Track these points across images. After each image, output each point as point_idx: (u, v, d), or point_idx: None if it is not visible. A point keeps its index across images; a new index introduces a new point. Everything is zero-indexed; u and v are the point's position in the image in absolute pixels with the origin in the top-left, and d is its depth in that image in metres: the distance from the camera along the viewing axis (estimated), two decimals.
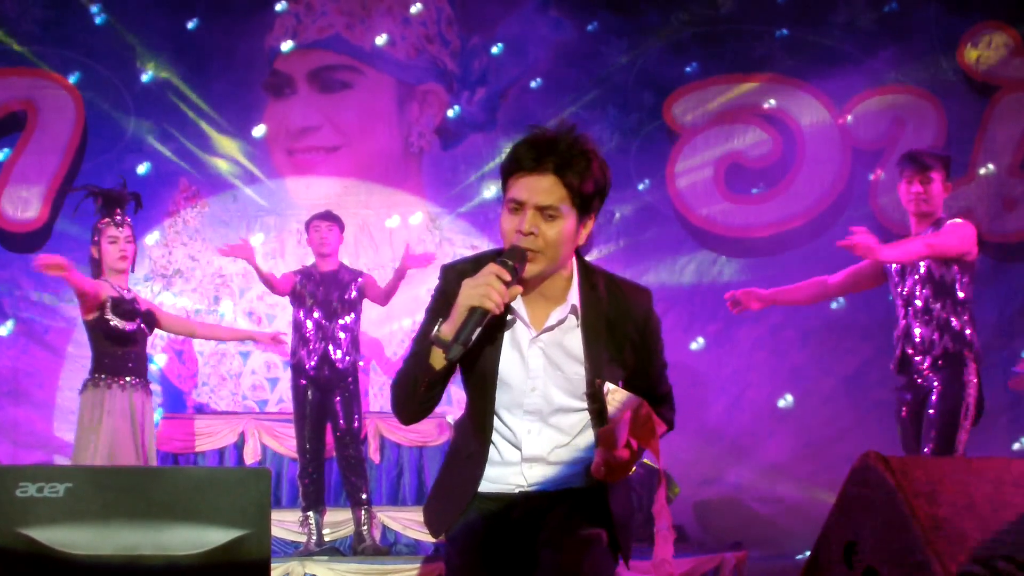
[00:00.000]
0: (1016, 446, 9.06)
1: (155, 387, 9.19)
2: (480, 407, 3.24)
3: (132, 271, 7.17)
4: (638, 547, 3.70)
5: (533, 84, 9.88)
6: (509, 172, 3.14)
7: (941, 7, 9.60)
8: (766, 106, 9.70)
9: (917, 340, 6.17)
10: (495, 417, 3.24)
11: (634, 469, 3.08)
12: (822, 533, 2.72)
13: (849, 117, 9.60)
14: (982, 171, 9.43)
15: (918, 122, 9.51)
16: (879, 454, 2.56)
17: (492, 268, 2.99)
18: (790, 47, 9.81)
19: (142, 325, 6.98)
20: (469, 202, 9.71)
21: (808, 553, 2.84)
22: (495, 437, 3.26)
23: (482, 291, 2.95)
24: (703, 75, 9.83)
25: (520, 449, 3.23)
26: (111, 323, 6.91)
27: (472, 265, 3.23)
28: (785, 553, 8.45)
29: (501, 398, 3.22)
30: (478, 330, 2.97)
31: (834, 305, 9.32)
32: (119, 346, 6.91)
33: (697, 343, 9.41)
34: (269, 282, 7.93)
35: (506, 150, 3.22)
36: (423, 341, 3.13)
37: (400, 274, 7.96)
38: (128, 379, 6.88)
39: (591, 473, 3.10)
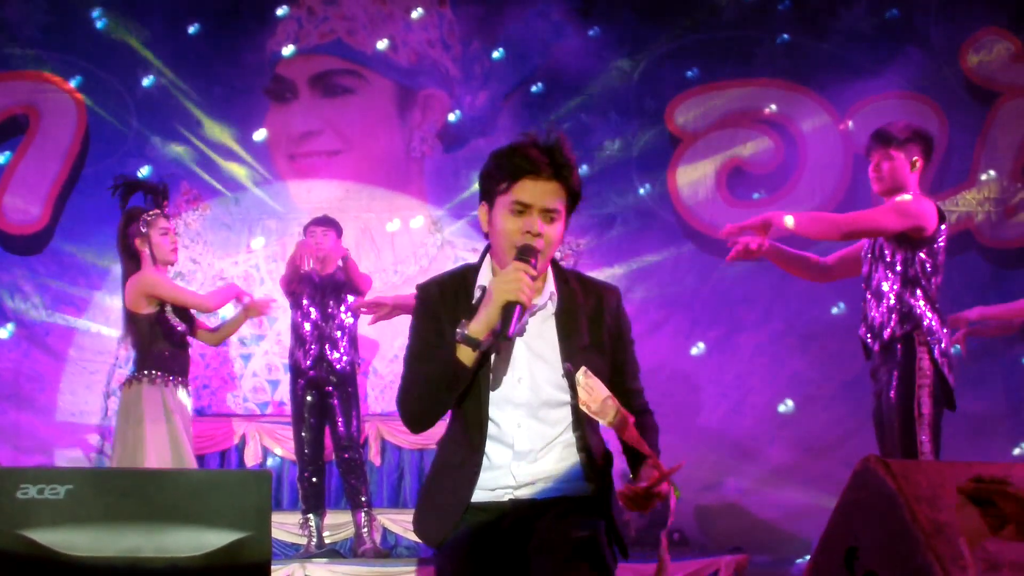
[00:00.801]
0: (1017, 451, 9.05)
1: None
2: (473, 407, 3.31)
3: None
4: (640, 551, 3.71)
5: (534, 89, 9.89)
6: (514, 176, 3.28)
7: (942, 14, 9.61)
8: (767, 111, 9.71)
9: (872, 323, 5.89)
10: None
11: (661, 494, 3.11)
12: (823, 538, 2.73)
13: (850, 123, 9.60)
14: (983, 177, 9.44)
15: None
16: (880, 458, 2.56)
17: (519, 266, 3.18)
18: (791, 53, 9.81)
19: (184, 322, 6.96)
20: (471, 206, 9.71)
21: (809, 558, 2.84)
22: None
23: (515, 286, 3.15)
24: (704, 80, 9.84)
25: (511, 446, 3.29)
26: (171, 321, 6.86)
27: (449, 277, 3.49)
28: (786, 558, 8.45)
29: (491, 394, 3.31)
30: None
31: (835, 310, 9.32)
32: (174, 345, 6.86)
33: (698, 348, 9.41)
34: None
35: (499, 154, 3.36)
36: (428, 349, 3.32)
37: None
38: (182, 379, 6.85)
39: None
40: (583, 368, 3.16)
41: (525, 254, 3.22)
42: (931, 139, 5.91)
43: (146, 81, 9.71)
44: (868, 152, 5.80)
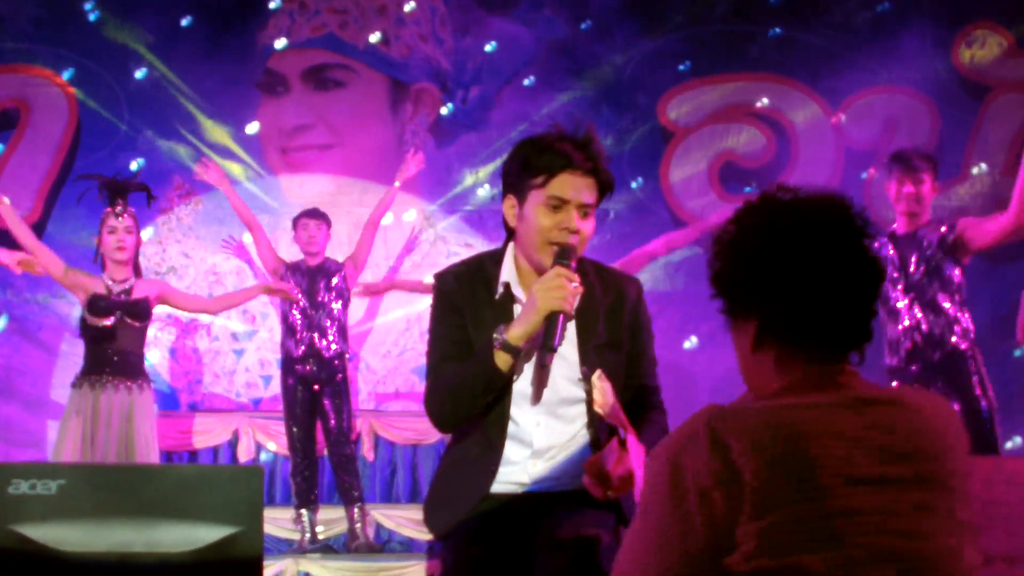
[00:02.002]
0: (1009, 445, 9.06)
1: None
2: (494, 405, 3.26)
3: (135, 262, 7.15)
4: None
5: (526, 83, 9.88)
6: (552, 170, 3.21)
7: (934, 7, 9.61)
8: (759, 105, 9.71)
9: (931, 334, 6.18)
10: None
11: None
12: None
13: (842, 117, 9.60)
14: (975, 171, 9.45)
15: (911, 122, 9.52)
16: None
17: (562, 272, 3.12)
18: (783, 47, 9.81)
19: (125, 319, 6.94)
20: (463, 200, 9.71)
21: None
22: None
23: (559, 294, 3.09)
24: (697, 74, 9.83)
25: (530, 444, 3.26)
26: (86, 320, 6.92)
27: (466, 267, 3.34)
28: None
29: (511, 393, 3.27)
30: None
31: None
32: (96, 344, 6.91)
33: (690, 342, 9.41)
34: (246, 221, 8.27)
35: (532, 147, 3.27)
36: (454, 346, 3.27)
37: (388, 200, 8.53)
38: (107, 378, 6.85)
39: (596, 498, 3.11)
40: (598, 372, 3.15)
41: (565, 257, 3.17)
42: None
43: (138, 74, 9.69)
44: (892, 174, 6.18)
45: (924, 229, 6.45)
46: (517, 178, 3.28)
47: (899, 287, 6.36)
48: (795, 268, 2.04)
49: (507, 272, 3.34)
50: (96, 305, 6.91)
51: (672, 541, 1.91)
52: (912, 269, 6.32)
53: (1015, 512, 2.52)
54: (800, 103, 9.68)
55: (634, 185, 9.71)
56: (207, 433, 8.81)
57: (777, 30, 9.84)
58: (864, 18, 9.73)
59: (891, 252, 6.38)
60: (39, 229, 9.33)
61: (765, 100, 9.71)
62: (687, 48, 9.86)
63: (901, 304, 6.36)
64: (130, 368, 6.95)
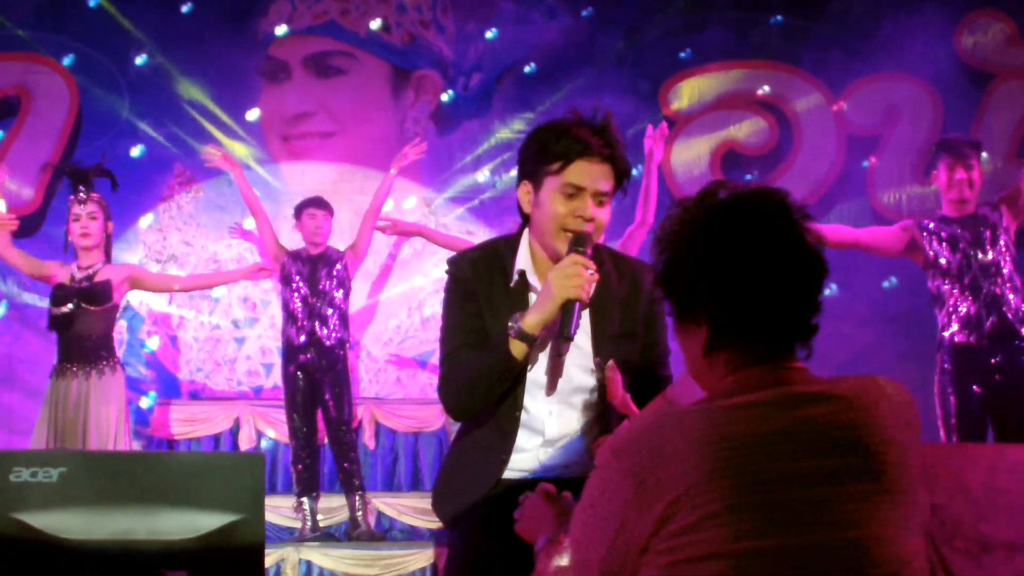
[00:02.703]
0: None
1: (148, 372, 9.21)
2: (507, 394, 3.24)
3: (106, 248, 7.10)
4: None
5: (528, 70, 9.86)
6: (567, 156, 3.18)
7: None
8: (761, 93, 9.69)
9: (1019, 309, 6.24)
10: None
11: None
12: None
13: (844, 104, 9.59)
14: None
15: (914, 110, 9.51)
16: None
17: (578, 259, 3.08)
18: (785, 34, 9.80)
19: (82, 304, 6.92)
20: (464, 188, 9.70)
21: None
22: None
23: (576, 282, 3.05)
24: (698, 62, 9.81)
25: (542, 433, 3.25)
26: (50, 310, 6.93)
27: (481, 253, 3.32)
28: None
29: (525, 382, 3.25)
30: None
31: (827, 292, 9.28)
32: (61, 332, 6.92)
33: None
34: (257, 213, 8.28)
35: (548, 133, 3.24)
36: (469, 333, 3.23)
37: (386, 187, 8.42)
38: (68, 366, 6.85)
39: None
40: (611, 362, 3.14)
41: (580, 244, 3.14)
42: None
43: (139, 61, 9.67)
44: (942, 160, 6.21)
45: (983, 210, 6.50)
46: (533, 164, 3.26)
47: (974, 266, 6.36)
48: (739, 269, 2.07)
49: (522, 259, 3.32)
50: (54, 295, 6.94)
51: (609, 531, 2.00)
52: (991, 245, 6.34)
53: (1016, 500, 2.52)
54: (802, 91, 9.66)
55: (635, 172, 9.68)
56: (208, 421, 8.81)
57: (779, 17, 9.82)
58: (866, 5, 9.70)
59: (955, 231, 6.37)
60: (39, 217, 9.33)
61: (767, 88, 9.69)
62: (689, 35, 9.84)
63: (975, 284, 6.36)
64: (89, 354, 6.91)
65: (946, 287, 6.34)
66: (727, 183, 2.17)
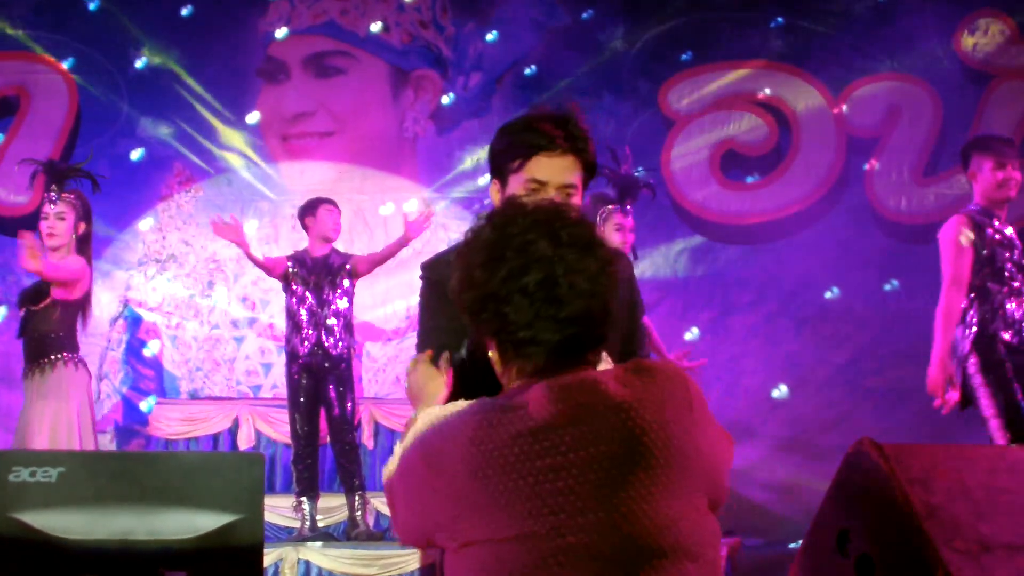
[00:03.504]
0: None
1: (147, 372, 9.20)
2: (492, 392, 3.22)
3: (71, 249, 6.94)
4: None
5: (528, 71, 9.86)
6: (527, 152, 3.16)
7: None
8: (761, 94, 9.69)
9: None
10: None
11: None
12: (815, 520, 2.72)
13: (844, 105, 9.58)
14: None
15: (914, 110, 9.50)
16: (873, 441, 2.55)
17: None
18: (785, 34, 9.79)
19: (27, 306, 6.89)
20: (464, 188, 9.69)
21: (802, 541, 2.84)
22: None
23: None
24: (698, 62, 9.81)
25: None
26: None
27: (455, 256, 3.28)
28: (779, 541, 8.46)
29: None
30: None
31: (828, 295, 9.33)
32: (23, 334, 6.91)
33: (691, 333, 9.39)
34: (262, 266, 8.00)
35: (511, 129, 3.24)
36: (447, 336, 3.13)
37: (402, 243, 8.13)
38: (29, 365, 6.83)
39: None
40: (603, 354, 3.12)
41: None
42: None
43: (138, 62, 9.68)
44: (997, 162, 6.17)
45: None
46: (498, 162, 3.24)
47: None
48: (502, 295, 2.24)
49: None
50: (19, 298, 6.94)
51: (413, 518, 2.30)
52: None
53: (1017, 500, 2.52)
54: (802, 91, 9.65)
55: (635, 173, 9.69)
56: (207, 421, 8.81)
57: (779, 19, 9.81)
58: (866, 6, 9.70)
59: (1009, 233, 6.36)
60: (38, 216, 9.31)
61: (767, 89, 9.68)
62: (689, 36, 9.84)
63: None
64: (38, 351, 6.84)
65: (994, 286, 6.26)
66: (510, 207, 2.35)
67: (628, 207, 7.21)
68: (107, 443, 8.80)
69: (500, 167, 3.24)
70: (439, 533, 2.22)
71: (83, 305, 6.96)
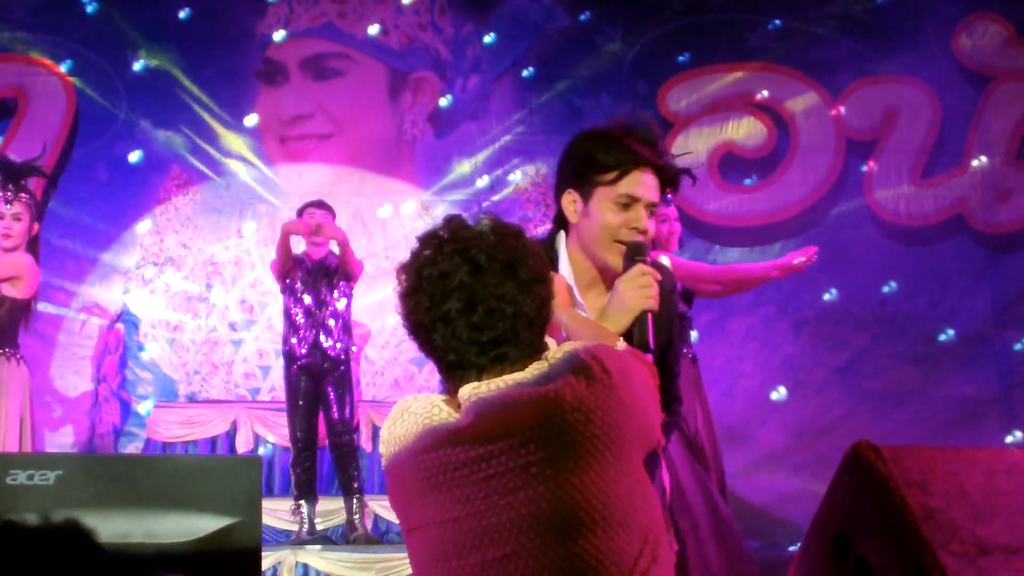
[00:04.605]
0: (1009, 439, 9.06)
1: (145, 376, 9.20)
2: None
3: (23, 250, 6.79)
4: None
5: (526, 73, 9.86)
6: (624, 167, 3.18)
7: None
8: (759, 96, 9.69)
9: None
10: None
11: None
12: (813, 523, 2.73)
13: (842, 108, 9.59)
14: (975, 163, 9.43)
15: (912, 112, 9.51)
16: (870, 443, 2.55)
17: (647, 270, 3.09)
18: (783, 37, 9.80)
19: None
20: (462, 190, 9.69)
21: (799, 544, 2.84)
22: None
23: (650, 292, 3.06)
24: (696, 64, 9.81)
25: None
26: None
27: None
28: (777, 543, 8.46)
29: None
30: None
31: (827, 296, 9.33)
32: None
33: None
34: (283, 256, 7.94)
35: (601, 140, 3.24)
36: None
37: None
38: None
39: None
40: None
41: (639, 253, 3.13)
42: None
43: (136, 65, 9.67)
44: None
45: None
46: (581, 173, 3.23)
47: None
48: (417, 318, 2.43)
49: (564, 271, 3.29)
50: None
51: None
52: None
53: (1015, 503, 2.52)
54: (800, 93, 9.66)
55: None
56: (206, 424, 8.80)
57: (777, 21, 9.82)
58: (864, 8, 9.71)
59: None
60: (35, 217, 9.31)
61: (765, 91, 9.69)
62: (687, 38, 9.84)
63: None
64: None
65: None
66: (431, 236, 2.47)
67: (669, 196, 7.15)
68: (105, 446, 8.81)
69: (585, 178, 3.23)
70: (399, 520, 2.45)
71: (29, 305, 6.87)
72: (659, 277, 3.10)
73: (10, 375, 6.70)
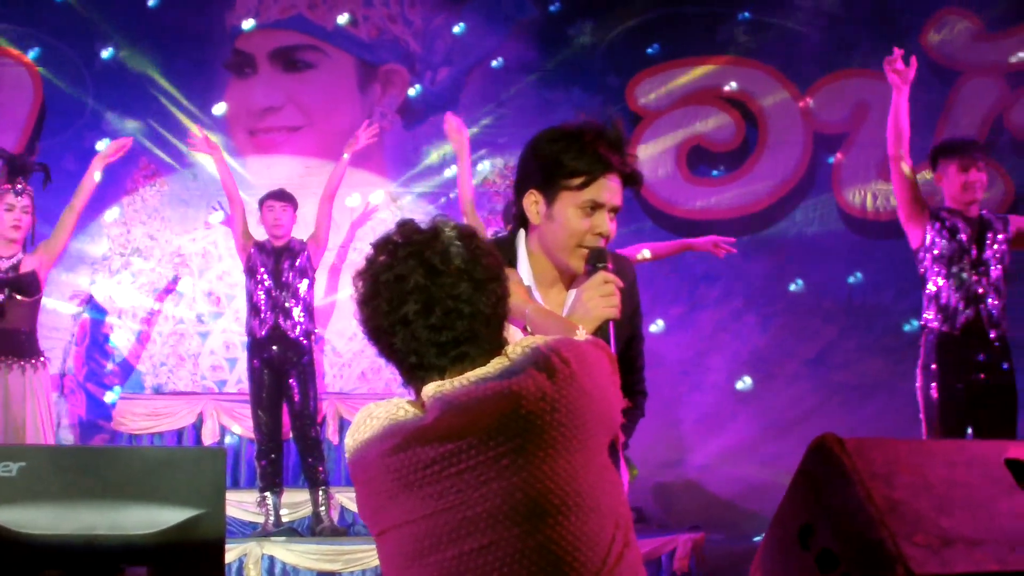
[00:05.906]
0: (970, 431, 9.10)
1: (112, 367, 9.15)
2: None
3: (29, 243, 6.99)
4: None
5: (495, 64, 9.85)
6: (592, 173, 3.16)
7: None
8: (728, 89, 9.71)
9: (992, 312, 6.24)
10: None
11: None
12: (777, 514, 2.73)
13: (811, 101, 9.62)
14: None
15: (880, 106, 9.52)
16: (835, 436, 2.56)
17: (609, 278, 3.08)
18: (753, 30, 9.82)
19: (15, 295, 6.80)
20: (430, 181, 9.68)
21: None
22: None
23: (613, 301, 3.06)
24: (666, 57, 9.83)
25: None
26: None
27: None
28: (744, 535, 8.49)
29: None
30: None
31: (792, 287, 9.37)
32: None
33: (657, 325, 9.41)
34: (229, 192, 8.31)
35: (568, 143, 3.20)
36: None
37: (340, 172, 8.55)
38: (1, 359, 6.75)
39: None
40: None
41: (601, 259, 3.13)
42: None
43: (104, 54, 9.61)
44: (951, 162, 6.28)
45: (987, 213, 6.55)
46: (547, 176, 3.20)
47: (964, 260, 6.36)
48: (373, 324, 2.47)
49: (524, 272, 3.29)
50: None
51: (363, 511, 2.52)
52: (988, 246, 6.36)
53: (974, 494, 2.53)
54: (769, 87, 9.69)
55: None
56: (172, 416, 8.77)
57: (747, 14, 9.84)
58: (834, 2, 9.73)
59: (958, 223, 6.39)
60: None
61: (734, 84, 9.71)
62: (657, 31, 9.85)
63: (965, 277, 6.36)
64: (23, 347, 6.79)
65: (933, 271, 6.36)
66: (385, 241, 2.49)
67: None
68: (70, 438, 8.76)
69: (552, 180, 3.20)
70: (370, 526, 2.45)
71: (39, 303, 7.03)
72: (621, 284, 3.09)
73: (38, 382, 6.78)
